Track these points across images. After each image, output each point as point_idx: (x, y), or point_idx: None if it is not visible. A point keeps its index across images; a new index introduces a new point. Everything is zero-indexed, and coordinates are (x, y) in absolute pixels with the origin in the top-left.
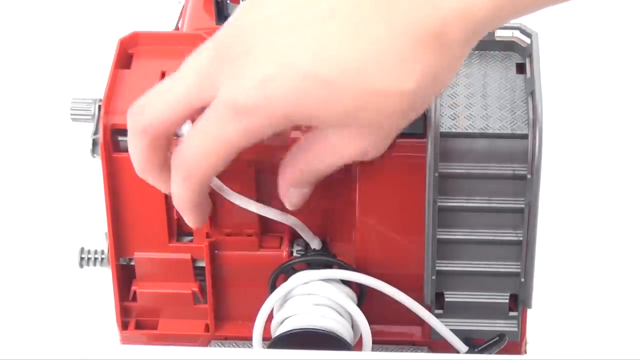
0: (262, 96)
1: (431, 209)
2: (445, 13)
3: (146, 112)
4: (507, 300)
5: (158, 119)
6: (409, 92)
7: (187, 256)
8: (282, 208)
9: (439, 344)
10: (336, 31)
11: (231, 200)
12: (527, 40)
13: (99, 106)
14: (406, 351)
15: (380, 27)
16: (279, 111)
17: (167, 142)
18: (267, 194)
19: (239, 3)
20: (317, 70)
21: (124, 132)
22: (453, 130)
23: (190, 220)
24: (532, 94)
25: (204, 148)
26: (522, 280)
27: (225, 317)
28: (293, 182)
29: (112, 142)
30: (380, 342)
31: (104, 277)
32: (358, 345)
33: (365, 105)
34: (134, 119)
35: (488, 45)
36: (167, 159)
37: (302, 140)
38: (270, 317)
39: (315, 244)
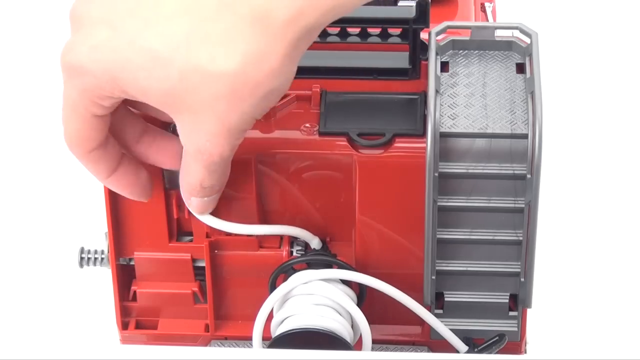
0: (90, 58)
1: (431, 208)
2: None
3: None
4: (507, 300)
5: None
6: (229, 73)
7: (187, 256)
8: (278, 216)
9: (438, 344)
10: (171, 5)
11: (230, 231)
12: (527, 40)
13: None
14: (406, 351)
15: (211, 4)
16: (106, 74)
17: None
18: (267, 194)
19: None
20: (145, 40)
21: None
22: (453, 130)
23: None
24: (531, 93)
25: (64, 114)
26: (522, 280)
27: (225, 317)
28: (187, 194)
29: None
30: (380, 342)
31: (104, 277)
32: (358, 345)
33: (189, 84)
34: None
35: (488, 45)
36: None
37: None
38: (270, 316)
39: (315, 243)
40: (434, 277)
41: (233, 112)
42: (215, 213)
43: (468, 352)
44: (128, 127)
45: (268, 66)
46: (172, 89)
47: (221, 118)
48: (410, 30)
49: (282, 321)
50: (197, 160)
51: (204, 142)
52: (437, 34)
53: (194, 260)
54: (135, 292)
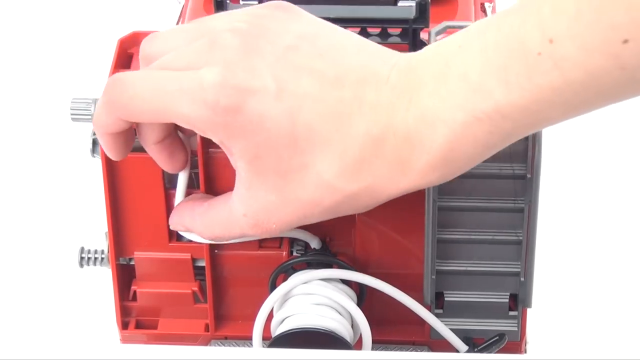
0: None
1: (431, 208)
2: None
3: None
4: (507, 300)
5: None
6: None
7: (187, 256)
8: None
9: (438, 344)
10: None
11: (229, 241)
12: None
13: None
14: (406, 351)
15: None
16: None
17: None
18: None
19: (239, 3)
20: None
21: None
22: None
23: (109, 153)
24: None
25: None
26: (522, 279)
27: (225, 317)
28: (205, 234)
29: None
30: (380, 342)
31: (104, 277)
32: (358, 345)
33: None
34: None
35: None
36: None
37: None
38: (270, 316)
39: (315, 243)
40: (434, 277)
41: (323, 216)
42: None
43: (468, 351)
44: (156, 131)
45: (373, 200)
46: (267, 173)
47: (309, 218)
48: (410, 30)
49: (282, 321)
50: (250, 228)
51: (274, 226)
52: (437, 34)
53: (194, 260)
54: (135, 292)
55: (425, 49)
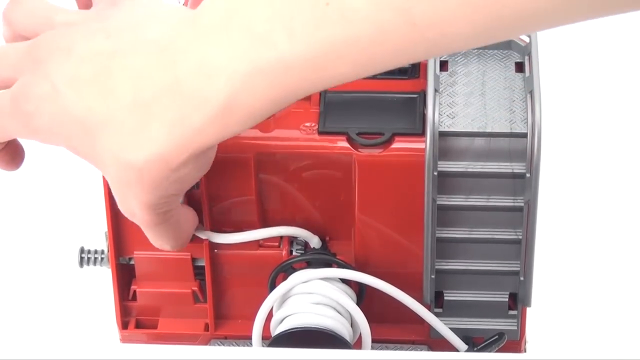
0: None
1: (430, 207)
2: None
3: None
4: (506, 299)
5: None
6: (134, 166)
7: (187, 255)
8: (278, 215)
9: (438, 343)
10: (121, 81)
11: (227, 242)
12: (526, 39)
13: None
14: (406, 350)
15: (145, 94)
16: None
17: None
18: (267, 194)
19: None
20: (77, 109)
21: None
22: (452, 129)
23: None
24: (530, 92)
25: None
26: (522, 279)
27: (225, 316)
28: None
29: None
30: (380, 341)
31: (104, 277)
32: (357, 344)
33: (103, 164)
34: None
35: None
36: None
37: None
38: (269, 315)
39: (314, 242)
40: (433, 276)
41: (147, 194)
42: (215, 214)
43: (468, 351)
44: None
45: (167, 168)
46: (95, 163)
47: (138, 197)
48: None
49: (282, 320)
50: (139, 223)
51: (133, 210)
52: None
53: (193, 259)
54: (135, 292)
55: None
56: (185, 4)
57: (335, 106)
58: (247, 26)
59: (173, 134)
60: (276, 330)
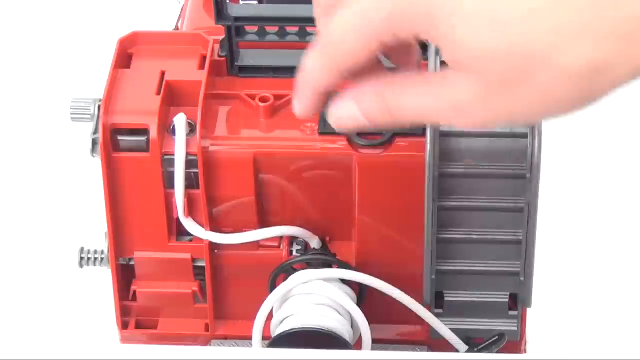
0: None
1: (431, 208)
2: None
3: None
4: (506, 300)
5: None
6: (570, 74)
7: (187, 256)
8: (278, 215)
9: (438, 343)
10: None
11: (227, 242)
12: None
13: (99, 106)
14: (406, 351)
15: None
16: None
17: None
18: (266, 194)
19: (238, 3)
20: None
21: (123, 131)
22: (452, 129)
23: (301, 106)
24: None
25: (352, 28)
26: (522, 279)
27: (225, 317)
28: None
29: (111, 141)
30: (380, 342)
31: (104, 277)
32: (358, 345)
33: (521, 62)
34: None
35: None
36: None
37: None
38: (270, 316)
39: (314, 243)
40: (434, 277)
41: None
42: (215, 214)
43: (468, 351)
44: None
45: (600, 89)
46: (496, 60)
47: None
48: None
49: (282, 321)
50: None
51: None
52: None
53: (194, 260)
54: (135, 292)
55: None
56: (185, 4)
57: None
58: None
59: None
60: (276, 330)
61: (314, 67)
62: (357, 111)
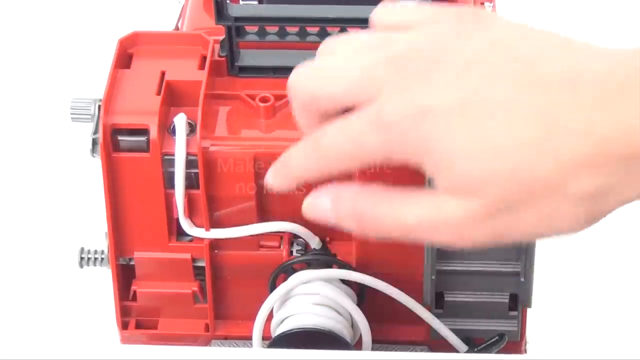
0: (412, 127)
1: None
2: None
3: (299, 88)
4: (507, 300)
5: (313, 96)
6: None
7: (187, 256)
8: (278, 216)
9: (438, 344)
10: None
11: (226, 237)
12: None
13: (99, 106)
14: (406, 351)
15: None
16: (416, 148)
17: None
18: (267, 193)
19: (238, 3)
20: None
21: (123, 131)
22: None
23: (276, 182)
24: None
25: (343, 145)
26: (522, 279)
27: (225, 317)
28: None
29: (112, 141)
30: (380, 342)
31: (104, 277)
32: (358, 345)
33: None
34: (292, 92)
35: None
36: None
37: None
38: (270, 316)
39: (315, 243)
40: (434, 277)
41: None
42: (215, 214)
43: (468, 351)
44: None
45: (607, 208)
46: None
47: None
48: None
49: (282, 321)
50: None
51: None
52: None
53: (194, 260)
54: (135, 292)
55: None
56: (185, 4)
57: None
58: None
59: (623, 174)
60: (276, 330)
61: (299, 159)
62: (330, 212)
